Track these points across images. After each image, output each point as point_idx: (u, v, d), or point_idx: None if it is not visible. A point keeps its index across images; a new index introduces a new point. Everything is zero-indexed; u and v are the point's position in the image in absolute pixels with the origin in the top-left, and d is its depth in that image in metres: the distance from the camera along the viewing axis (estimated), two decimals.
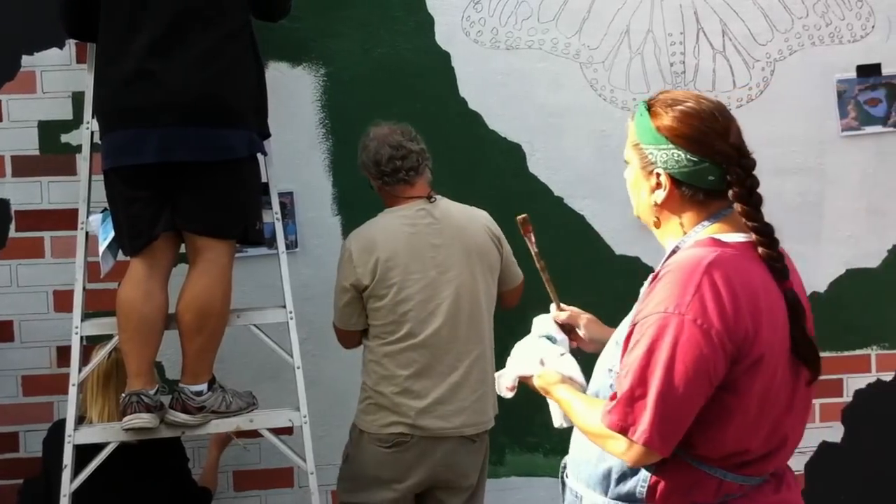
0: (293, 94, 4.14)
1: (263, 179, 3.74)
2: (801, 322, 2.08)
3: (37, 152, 4.04)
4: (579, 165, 4.33)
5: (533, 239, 2.60)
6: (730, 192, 2.10)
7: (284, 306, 3.68)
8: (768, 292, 2.06)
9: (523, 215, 2.64)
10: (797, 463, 4.43)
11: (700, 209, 2.15)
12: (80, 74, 3.86)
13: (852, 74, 4.40)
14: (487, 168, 4.27)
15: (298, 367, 3.64)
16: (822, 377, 4.20)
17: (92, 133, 3.63)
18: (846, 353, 4.48)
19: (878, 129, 4.43)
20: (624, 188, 4.13)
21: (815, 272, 4.42)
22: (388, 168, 3.64)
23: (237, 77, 3.44)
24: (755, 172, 2.15)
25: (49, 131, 4.03)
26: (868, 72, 4.41)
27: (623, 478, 2.19)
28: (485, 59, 4.24)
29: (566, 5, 4.27)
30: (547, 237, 4.23)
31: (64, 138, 4.03)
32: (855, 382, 4.50)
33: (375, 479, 3.61)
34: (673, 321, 2.01)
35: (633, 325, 2.11)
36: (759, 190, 2.13)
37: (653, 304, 2.06)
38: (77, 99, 3.95)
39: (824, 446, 4.49)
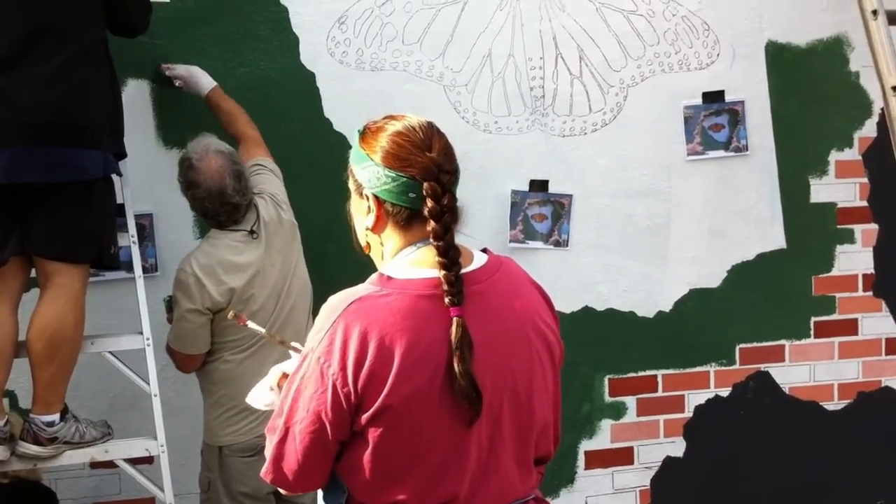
0: (152, 112, 3.79)
1: (119, 201, 3.41)
2: (464, 356, 1.82)
3: None
4: None
5: (252, 325, 2.35)
6: (424, 209, 1.88)
7: (142, 332, 3.37)
8: (426, 335, 1.83)
9: (231, 313, 2.42)
10: (642, 478, 4.35)
11: (404, 232, 1.93)
12: None
13: (698, 101, 4.33)
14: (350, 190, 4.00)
15: (156, 395, 3.37)
16: (665, 394, 4.34)
17: None
18: (688, 371, 4.41)
19: (721, 153, 4.38)
20: (488, 210, 4.09)
21: (662, 292, 4.37)
22: (213, 221, 3.45)
23: (91, 95, 3.13)
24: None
25: None
26: (713, 98, 4.35)
27: None
28: (350, 80, 4.00)
29: (430, 28, 4.05)
30: None
31: None
32: (695, 398, 4.43)
33: (244, 495, 3.39)
34: (308, 357, 1.87)
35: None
36: (461, 210, 1.96)
37: (308, 336, 1.92)
38: None
39: (668, 461, 4.40)
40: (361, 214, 1.99)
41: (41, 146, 3.04)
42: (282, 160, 3.69)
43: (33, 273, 3.24)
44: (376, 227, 1.95)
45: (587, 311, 4.27)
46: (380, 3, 4.00)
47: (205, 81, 3.70)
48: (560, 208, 4.21)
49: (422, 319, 1.84)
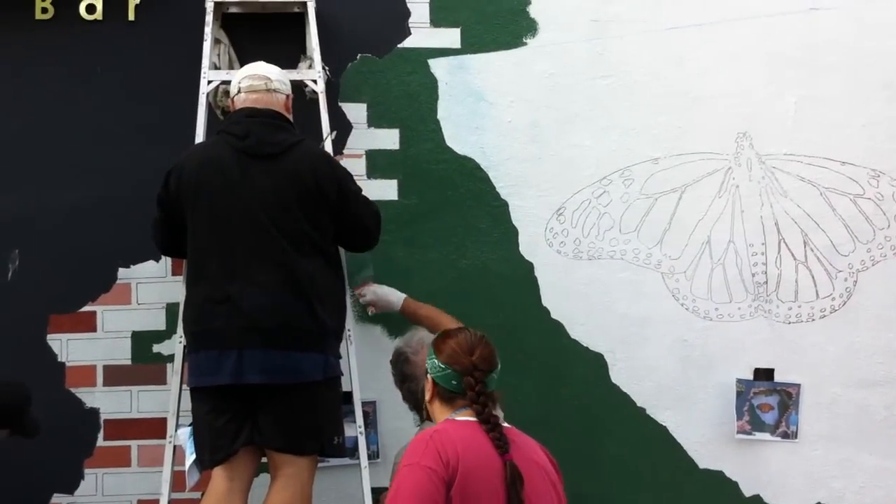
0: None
1: (347, 389, 3.61)
2: (517, 486, 2.62)
3: (129, 362, 3.99)
4: (662, 375, 4.17)
5: None
6: (467, 394, 2.74)
7: None
8: (482, 455, 2.65)
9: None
10: None
11: (449, 405, 2.80)
12: (175, 286, 3.84)
13: None
14: (570, 378, 4.14)
15: None
16: None
17: (184, 346, 3.55)
18: None
19: None
20: (710, 399, 4.09)
21: None
22: (426, 413, 3.48)
23: (315, 300, 3.32)
24: None
25: (141, 341, 3.99)
26: None
27: None
28: (567, 270, 4.16)
29: (647, 217, 4.19)
30: (628, 448, 4.10)
31: (156, 348, 3.99)
32: None
33: None
34: (409, 469, 2.62)
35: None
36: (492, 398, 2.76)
37: (400, 464, 2.70)
38: (171, 310, 3.92)
39: None
40: (425, 391, 2.87)
41: (266, 350, 3.25)
42: (500, 349, 3.82)
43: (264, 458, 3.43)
44: (431, 400, 2.85)
45: None
46: (597, 193, 4.19)
47: (394, 298, 3.92)
48: (788, 398, 4.15)
49: (477, 441, 2.67)
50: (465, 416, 2.74)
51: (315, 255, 3.36)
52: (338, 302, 3.47)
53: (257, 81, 3.46)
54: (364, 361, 3.80)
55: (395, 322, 4.03)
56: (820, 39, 4.27)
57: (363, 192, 3.60)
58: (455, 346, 2.79)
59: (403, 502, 2.57)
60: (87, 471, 3.95)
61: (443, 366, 2.78)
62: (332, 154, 3.71)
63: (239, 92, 3.47)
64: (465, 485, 2.60)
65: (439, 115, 4.17)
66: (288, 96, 3.53)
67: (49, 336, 3.97)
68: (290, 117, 3.52)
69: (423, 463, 2.60)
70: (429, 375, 2.84)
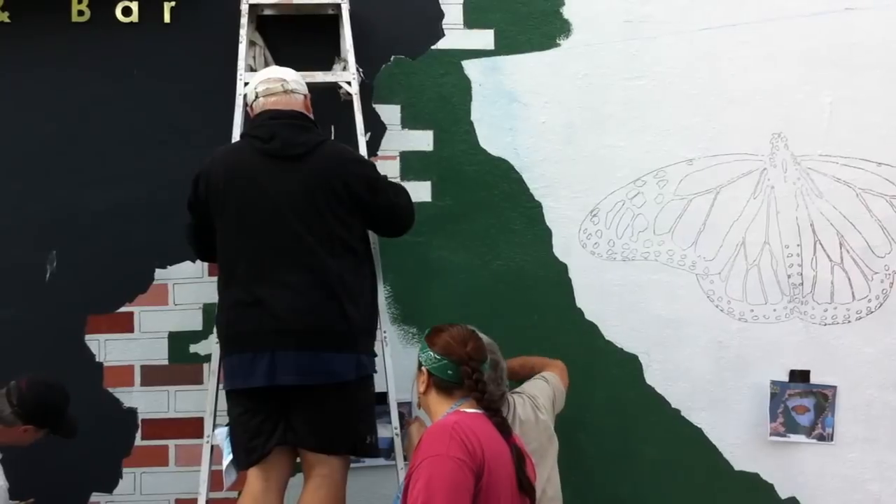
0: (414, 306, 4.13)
1: (382, 390, 3.65)
2: (523, 466, 2.84)
3: (166, 362, 4.06)
4: (696, 377, 4.21)
5: None
6: (465, 383, 2.90)
7: None
8: (497, 443, 2.80)
9: None
10: None
11: (447, 396, 2.95)
12: (211, 287, 3.83)
13: None
14: (604, 379, 4.18)
15: None
16: None
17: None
18: None
19: None
20: (745, 401, 4.13)
21: None
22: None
23: (346, 299, 3.35)
24: None
25: (178, 342, 4.07)
26: None
27: None
28: (601, 271, 4.21)
29: (682, 218, 4.22)
30: (664, 450, 4.14)
31: (193, 348, 4.06)
32: None
33: None
34: (437, 459, 2.68)
35: (409, 474, 2.76)
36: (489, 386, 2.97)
37: (419, 456, 2.74)
38: (208, 311, 4.00)
39: None
40: (418, 382, 3.03)
41: (298, 351, 3.28)
42: (535, 350, 3.90)
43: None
44: (426, 392, 2.99)
45: None
46: (631, 195, 4.24)
47: None
48: (824, 400, 4.18)
49: (493, 432, 2.82)
50: (470, 408, 2.87)
51: (344, 254, 3.38)
52: (369, 299, 3.50)
53: (273, 84, 3.49)
54: (400, 362, 3.84)
55: (431, 324, 4.07)
56: (855, 39, 4.29)
57: (388, 178, 3.63)
58: (448, 339, 2.97)
59: (439, 493, 2.63)
60: (125, 470, 4.04)
61: (438, 357, 2.95)
62: (364, 155, 3.76)
63: (257, 97, 3.50)
64: (490, 476, 2.71)
65: (473, 117, 4.22)
66: (306, 96, 3.55)
67: (87, 336, 4.05)
68: (311, 117, 3.55)
69: (451, 454, 2.68)
70: (423, 368, 3.00)
